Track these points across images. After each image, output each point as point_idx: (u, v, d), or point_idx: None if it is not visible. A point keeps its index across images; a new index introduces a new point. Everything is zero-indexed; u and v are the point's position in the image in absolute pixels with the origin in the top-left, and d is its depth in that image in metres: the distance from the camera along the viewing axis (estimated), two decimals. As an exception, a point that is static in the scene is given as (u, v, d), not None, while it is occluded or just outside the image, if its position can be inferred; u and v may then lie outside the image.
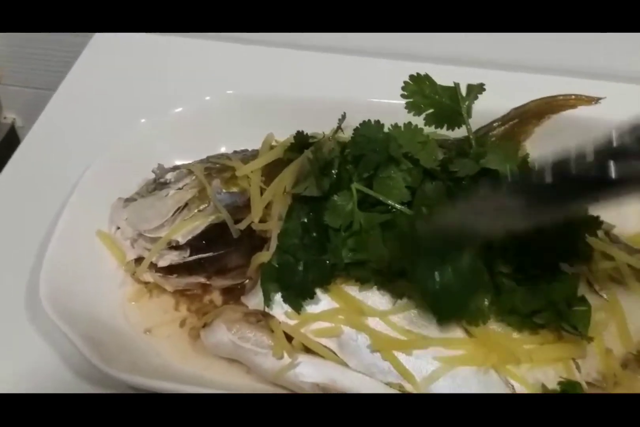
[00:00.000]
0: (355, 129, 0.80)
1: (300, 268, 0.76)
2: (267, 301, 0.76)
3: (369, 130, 0.79)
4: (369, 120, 0.80)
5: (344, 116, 0.85)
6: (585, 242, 0.72)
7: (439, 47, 1.06)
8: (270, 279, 0.77)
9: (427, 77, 0.82)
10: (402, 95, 0.82)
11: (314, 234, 0.77)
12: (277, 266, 0.77)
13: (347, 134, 0.88)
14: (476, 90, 0.83)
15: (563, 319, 0.72)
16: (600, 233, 0.85)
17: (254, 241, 0.84)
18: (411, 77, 0.82)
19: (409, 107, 0.82)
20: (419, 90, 0.82)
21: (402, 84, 0.82)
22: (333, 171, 0.78)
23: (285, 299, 0.77)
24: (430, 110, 0.82)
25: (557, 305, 0.72)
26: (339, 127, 0.86)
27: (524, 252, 0.74)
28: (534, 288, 0.73)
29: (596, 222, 0.72)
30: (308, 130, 0.91)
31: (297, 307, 0.76)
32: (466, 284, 0.71)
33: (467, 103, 0.82)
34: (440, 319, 0.74)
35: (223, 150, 0.99)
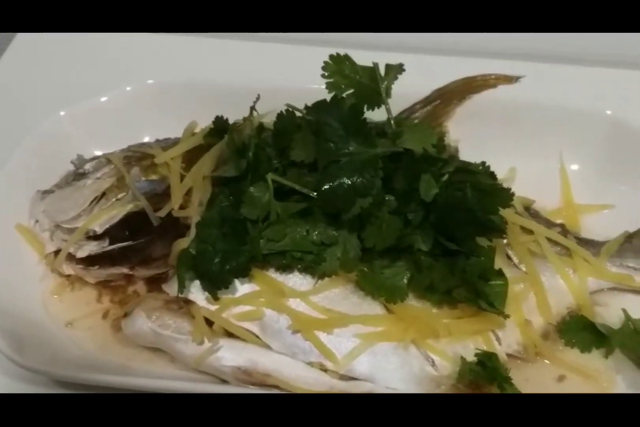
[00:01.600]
0: (274, 123, 0.80)
1: (217, 259, 0.75)
2: (182, 287, 0.75)
3: (284, 122, 0.79)
4: (282, 111, 0.80)
5: (257, 98, 0.85)
6: (499, 215, 0.73)
7: (362, 33, 1.06)
8: (187, 266, 0.76)
9: (347, 57, 0.82)
10: (323, 76, 0.81)
11: (233, 223, 0.76)
12: (194, 253, 0.76)
13: (268, 119, 0.87)
14: (395, 70, 0.83)
15: (479, 295, 0.72)
16: (520, 208, 0.86)
17: (178, 229, 0.83)
18: (331, 57, 0.82)
19: (330, 87, 0.82)
20: (339, 70, 0.82)
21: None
22: (249, 153, 0.77)
23: (203, 287, 0.76)
24: (350, 91, 0.82)
25: (474, 281, 0.72)
26: (252, 108, 0.85)
27: (440, 227, 0.75)
28: (452, 264, 0.74)
29: (508, 194, 0.73)
30: (232, 117, 0.90)
31: (214, 295, 0.76)
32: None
33: (385, 83, 0.82)
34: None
35: (147, 140, 0.97)
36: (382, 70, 0.82)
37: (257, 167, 0.78)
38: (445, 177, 0.75)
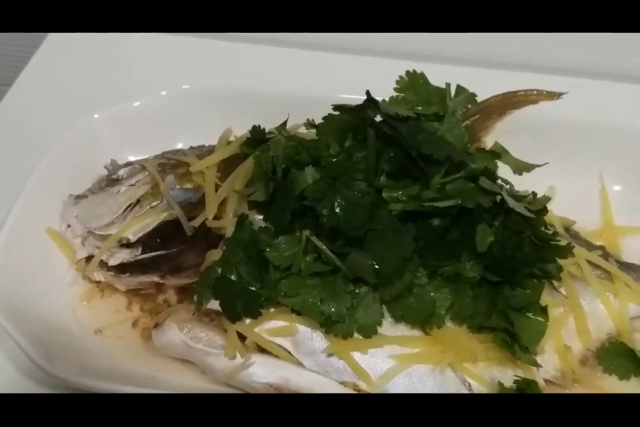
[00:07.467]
0: None
1: (235, 291, 0.73)
2: (200, 304, 0.73)
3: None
4: None
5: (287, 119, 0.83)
6: (556, 264, 0.71)
7: (401, 43, 1.04)
8: (207, 285, 0.73)
9: (422, 75, 0.81)
10: (395, 89, 0.80)
11: (260, 250, 0.73)
12: (219, 273, 0.73)
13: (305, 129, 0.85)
14: (466, 97, 0.81)
15: (515, 337, 0.70)
16: (560, 229, 0.84)
17: (210, 238, 0.82)
18: (407, 73, 0.81)
19: (400, 101, 0.80)
20: (412, 86, 0.80)
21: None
22: (277, 176, 0.74)
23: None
24: (419, 108, 0.80)
25: (513, 314, 0.70)
26: (281, 130, 0.81)
27: (494, 269, 0.72)
28: (496, 294, 0.71)
29: (568, 249, 0.71)
30: (269, 125, 0.89)
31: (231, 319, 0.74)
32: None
33: (452, 105, 0.80)
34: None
35: (180, 146, 0.96)
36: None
37: (288, 191, 0.73)
38: (498, 223, 0.72)
